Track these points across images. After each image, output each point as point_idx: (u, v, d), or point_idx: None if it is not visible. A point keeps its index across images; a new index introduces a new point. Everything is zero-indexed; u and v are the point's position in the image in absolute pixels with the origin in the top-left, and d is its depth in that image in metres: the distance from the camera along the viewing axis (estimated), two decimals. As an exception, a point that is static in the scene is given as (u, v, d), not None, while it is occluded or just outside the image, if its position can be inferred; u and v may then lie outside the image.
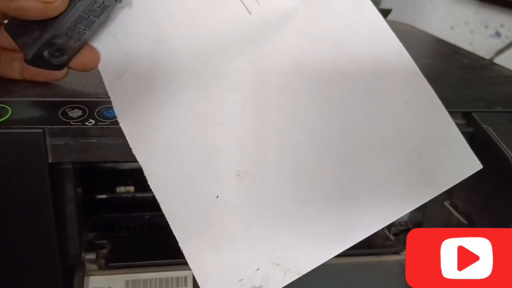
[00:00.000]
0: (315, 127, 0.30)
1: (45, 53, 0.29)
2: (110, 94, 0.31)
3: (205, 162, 0.29)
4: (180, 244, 0.28)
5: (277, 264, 0.27)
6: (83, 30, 0.30)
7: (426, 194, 0.29)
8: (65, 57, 0.31)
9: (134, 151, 0.30)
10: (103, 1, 0.29)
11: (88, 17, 0.29)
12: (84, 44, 0.31)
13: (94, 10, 0.29)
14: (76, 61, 0.32)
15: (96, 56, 0.32)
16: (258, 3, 0.32)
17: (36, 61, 0.30)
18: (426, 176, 0.29)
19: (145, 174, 0.29)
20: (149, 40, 0.32)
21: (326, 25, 0.32)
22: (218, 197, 0.29)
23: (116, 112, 0.31)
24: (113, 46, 0.32)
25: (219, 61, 0.32)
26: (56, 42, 0.29)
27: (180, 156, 0.30)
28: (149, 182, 0.29)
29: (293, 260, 0.28)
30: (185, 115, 0.30)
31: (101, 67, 0.32)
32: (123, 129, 0.30)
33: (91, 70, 0.32)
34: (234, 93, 0.31)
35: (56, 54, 0.30)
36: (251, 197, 0.29)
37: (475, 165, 0.30)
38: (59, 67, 0.31)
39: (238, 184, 0.29)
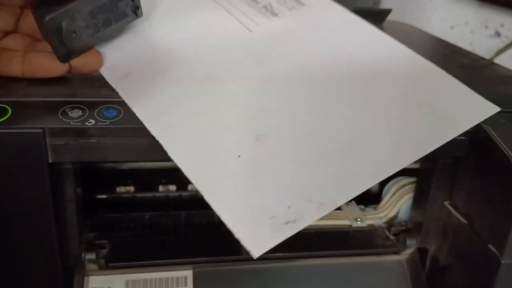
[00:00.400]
0: (322, 100, 0.33)
1: (63, 23, 0.30)
2: (118, 90, 0.33)
3: (223, 132, 0.30)
4: (206, 198, 0.27)
5: (309, 201, 0.27)
6: (100, 26, 0.32)
7: (448, 134, 0.31)
8: (74, 45, 0.31)
9: (152, 132, 0.30)
10: (126, 4, 0.32)
11: (110, 13, 0.31)
12: (93, 45, 0.33)
13: (118, 8, 0.32)
14: (79, 59, 0.33)
15: (99, 60, 0.34)
16: (258, 25, 0.36)
17: (51, 26, 0.30)
18: (445, 121, 0.31)
19: (164, 148, 0.29)
20: (154, 50, 0.36)
21: (321, 37, 0.36)
22: (240, 156, 0.29)
23: (128, 103, 0.32)
24: (117, 55, 0.35)
25: (225, 63, 0.35)
26: (75, 19, 0.31)
27: (197, 131, 0.30)
28: (169, 154, 0.29)
29: (325, 195, 0.27)
30: (199, 100, 0.32)
31: (103, 71, 0.34)
32: (138, 115, 0.31)
33: (90, 72, 0.34)
34: (241, 83, 0.34)
35: (70, 34, 0.31)
36: (273, 152, 0.29)
37: (492, 109, 0.32)
38: (64, 55, 0.32)
39: (258, 144, 0.30)
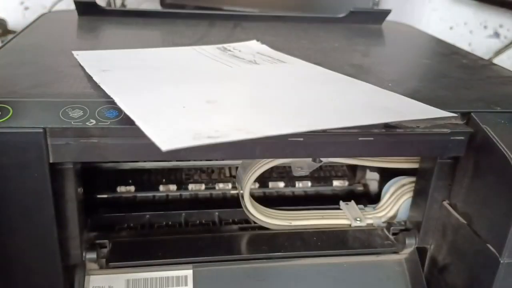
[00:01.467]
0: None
1: None
2: (95, 79, 0.35)
3: (176, 93, 0.33)
4: (137, 123, 0.27)
5: (239, 129, 0.27)
6: None
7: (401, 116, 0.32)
8: None
9: (119, 104, 0.31)
10: None
11: None
12: None
13: None
14: None
15: None
16: (239, 66, 0.42)
17: None
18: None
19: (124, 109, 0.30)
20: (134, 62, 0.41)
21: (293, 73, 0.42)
22: (185, 107, 0.30)
23: (103, 87, 0.33)
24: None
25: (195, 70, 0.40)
26: None
27: (157, 101, 0.32)
28: (127, 113, 0.29)
29: (256, 127, 0.28)
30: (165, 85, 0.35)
31: (86, 67, 0.37)
32: (107, 91, 0.32)
33: None
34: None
35: None
36: (219, 108, 0.31)
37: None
38: None
39: (207, 105, 0.31)
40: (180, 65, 0.42)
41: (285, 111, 0.31)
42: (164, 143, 0.25)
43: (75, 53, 0.42)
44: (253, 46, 0.50)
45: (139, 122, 0.27)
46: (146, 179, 0.50)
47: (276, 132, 0.28)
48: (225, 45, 0.49)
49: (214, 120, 0.28)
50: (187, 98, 0.32)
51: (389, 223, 0.44)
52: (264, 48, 0.49)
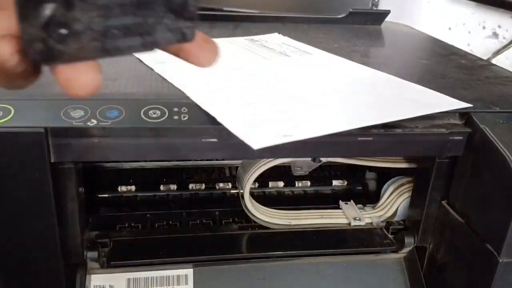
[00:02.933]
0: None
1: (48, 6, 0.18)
2: (154, 69, 0.38)
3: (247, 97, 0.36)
4: (232, 129, 0.30)
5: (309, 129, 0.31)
6: (117, 33, 0.19)
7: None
8: (60, 45, 0.19)
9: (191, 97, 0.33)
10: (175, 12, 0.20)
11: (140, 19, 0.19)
12: (91, 56, 0.19)
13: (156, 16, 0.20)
14: (67, 70, 0.20)
15: (97, 80, 0.20)
16: (273, 58, 0.45)
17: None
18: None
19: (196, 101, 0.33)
20: None
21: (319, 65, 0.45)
22: (251, 104, 0.34)
23: (164, 76, 0.37)
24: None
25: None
26: (73, 7, 0.18)
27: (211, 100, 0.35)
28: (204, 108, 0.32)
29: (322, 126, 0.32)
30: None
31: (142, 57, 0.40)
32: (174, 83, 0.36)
33: (77, 94, 0.21)
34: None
35: (56, 26, 0.18)
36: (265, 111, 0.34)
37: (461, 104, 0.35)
38: (40, 54, 0.19)
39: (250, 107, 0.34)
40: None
41: (333, 109, 0.34)
42: (256, 143, 0.28)
43: None
44: (277, 37, 0.54)
45: (227, 125, 0.30)
46: (147, 178, 0.50)
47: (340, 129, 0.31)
48: (252, 37, 0.52)
49: (288, 119, 0.32)
50: (251, 96, 0.35)
51: (388, 223, 0.44)
52: (287, 39, 0.53)
